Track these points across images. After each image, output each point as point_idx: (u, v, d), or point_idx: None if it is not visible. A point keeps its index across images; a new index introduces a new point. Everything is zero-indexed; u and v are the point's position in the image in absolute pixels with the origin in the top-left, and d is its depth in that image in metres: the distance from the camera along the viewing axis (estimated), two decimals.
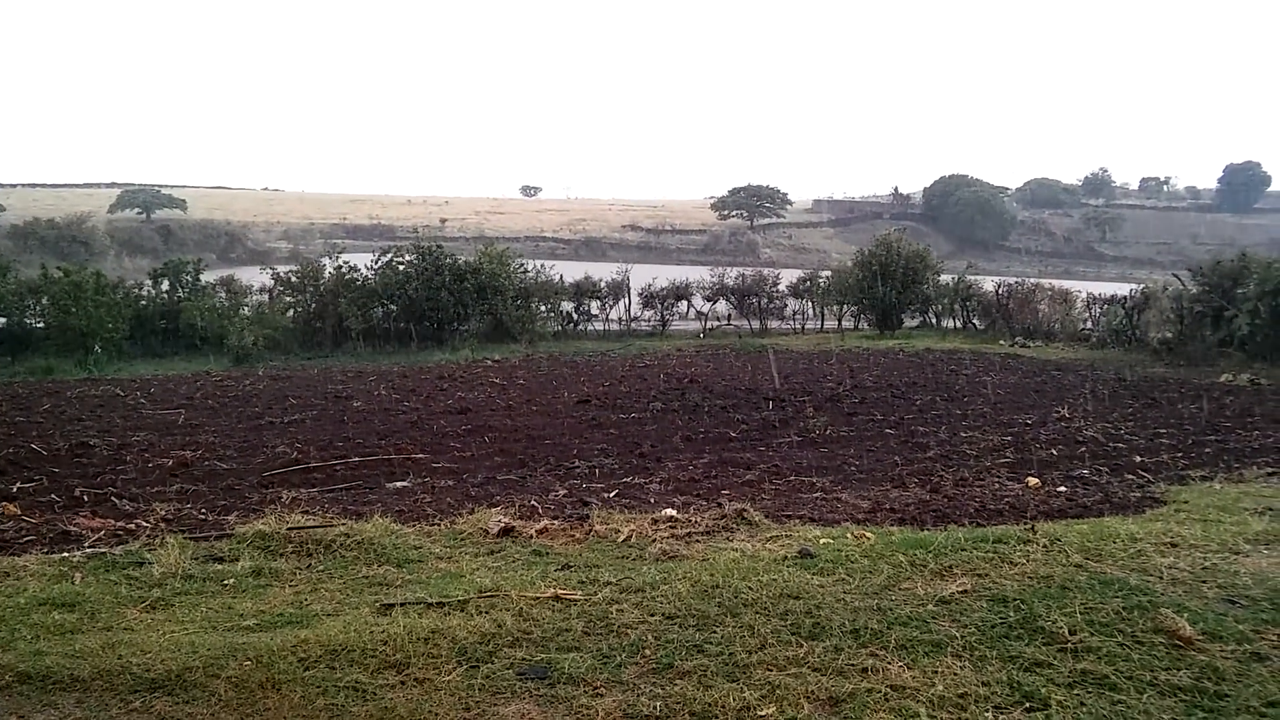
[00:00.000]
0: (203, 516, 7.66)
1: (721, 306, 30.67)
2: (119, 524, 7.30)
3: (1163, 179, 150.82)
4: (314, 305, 24.11)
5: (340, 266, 24.38)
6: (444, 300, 24.32)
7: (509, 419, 12.92)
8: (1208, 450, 10.44)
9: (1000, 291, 29.06)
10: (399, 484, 8.91)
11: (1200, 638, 4.36)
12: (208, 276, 24.88)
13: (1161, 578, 5.24)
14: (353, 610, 5.15)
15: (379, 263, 24.82)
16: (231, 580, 5.77)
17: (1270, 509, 7.41)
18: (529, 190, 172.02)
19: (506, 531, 6.68)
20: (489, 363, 20.60)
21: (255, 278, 26.30)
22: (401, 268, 24.71)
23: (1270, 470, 9.33)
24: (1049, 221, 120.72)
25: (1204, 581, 5.18)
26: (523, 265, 26.89)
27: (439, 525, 7.10)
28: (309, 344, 23.42)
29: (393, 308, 24.77)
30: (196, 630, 4.92)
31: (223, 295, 24.41)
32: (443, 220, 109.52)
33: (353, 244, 54.82)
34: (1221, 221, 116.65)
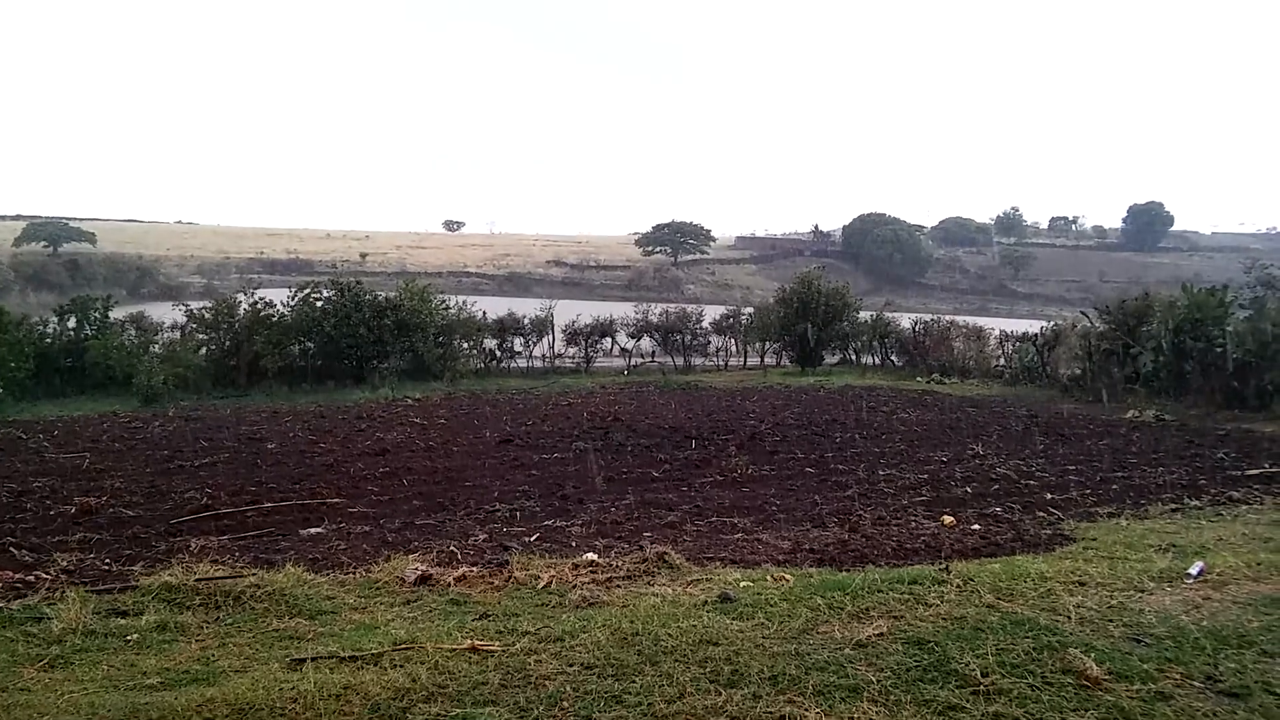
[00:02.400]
0: (106, 567, 7.37)
1: (646, 343, 30.80)
2: (17, 576, 6.96)
3: (1071, 218, 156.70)
4: (228, 343, 23.51)
5: (256, 303, 23.84)
6: (363, 337, 23.94)
7: (429, 460, 12.73)
8: (1115, 487, 10.76)
9: (917, 329, 29.76)
10: (313, 530, 8.69)
11: (1107, 678, 4.45)
12: (117, 313, 24.14)
13: (1070, 617, 5.35)
14: (262, 666, 4.98)
15: (296, 299, 24.35)
16: (135, 636, 5.54)
17: (1174, 545, 7.66)
18: (452, 225, 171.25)
19: (424, 580, 6.55)
20: (409, 401, 20.31)
21: (167, 314, 25.58)
22: (319, 304, 24.27)
23: (1174, 506, 9.64)
24: (964, 259, 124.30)
25: (1111, 620, 5.30)
26: (445, 302, 26.66)
27: (354, 574, 6.94)
28: (222, 383, 22.81)
29: (310, 345, 24.29)
30: (97, 690, 4.71)
31: (132, 333, 23.69)
32: (363, 255, 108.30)
33: (269, 279, 53.77)
34: (1127, 260, 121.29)
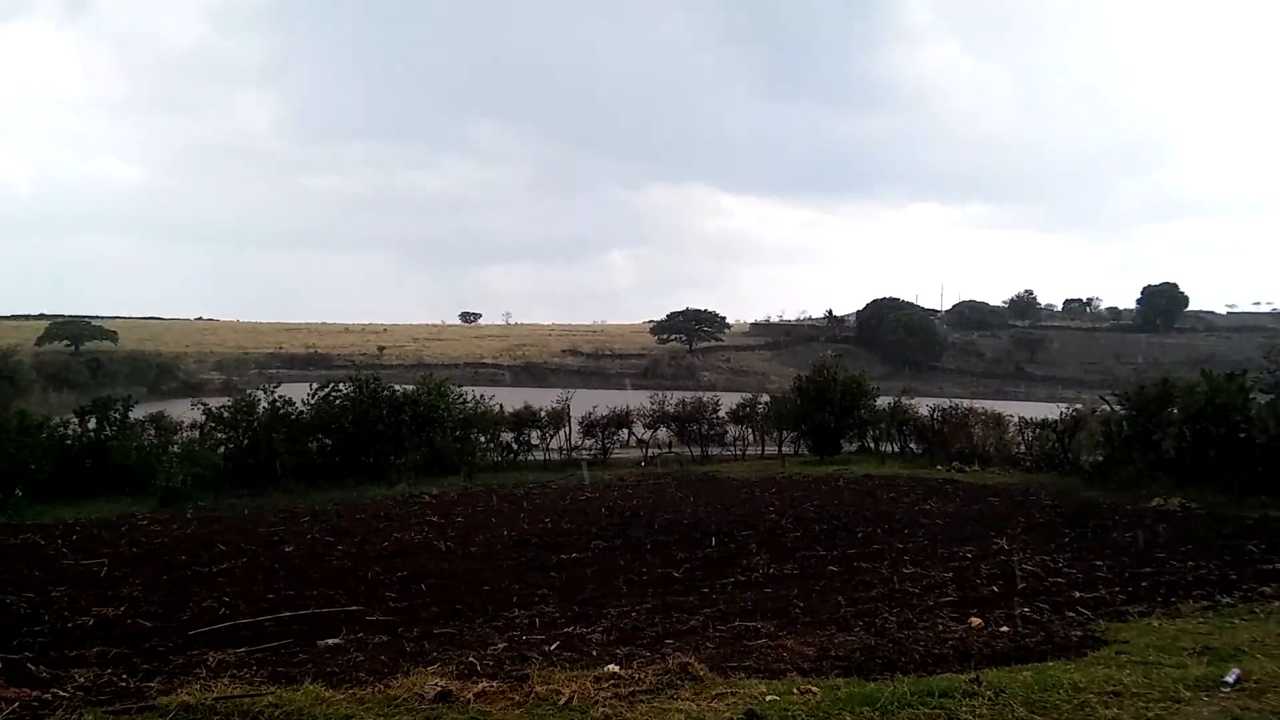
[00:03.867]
0: (124, 684, 7.27)
1: (663, 433, 30.75)
2: (35, 694, 6.89)
3: (1085, 300, 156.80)
4: (246, 441, 23.63)
5: (275, 401, 24.02)
6: (381, 433, 24.04)
7: (447, 562, 12.65)
8: (1144, 583, 10.56)
9: (935, 416, 29.62)
10: (331, 641, 8.59)
11: None
12: (137, 411, 24.36)
13: None
14: None
15: (315, 396, 24.53)
16: None
17: (1208, 647, 7.48)
18: (468, 317, 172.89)
19: (443, 696, 6.44)
20: (426, 498, 20.26)
21: (186, 412, 25.79)
22: (338, 401, 24.45)
23: (1206, 604, 9.46)
24: (979, 343, 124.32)
25: None
26: (461, 395, 26.80)
27: (372, 689, 6.82)
28: (241, 481, 22.84)
29: (328, 442, 24.39)
30: None
31: (152, 432, 23.90)
32: (381, 348, 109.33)
33: (288, 374, 54.34)
34: (1143, 341, 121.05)
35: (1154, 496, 18.69)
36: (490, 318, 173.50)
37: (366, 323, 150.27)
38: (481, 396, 27.40)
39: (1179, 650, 7.43)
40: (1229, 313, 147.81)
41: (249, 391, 26.43)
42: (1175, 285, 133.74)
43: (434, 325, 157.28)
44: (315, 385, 25.23)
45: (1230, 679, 6.17)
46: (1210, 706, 5.70)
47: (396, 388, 25.87)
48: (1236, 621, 8.67)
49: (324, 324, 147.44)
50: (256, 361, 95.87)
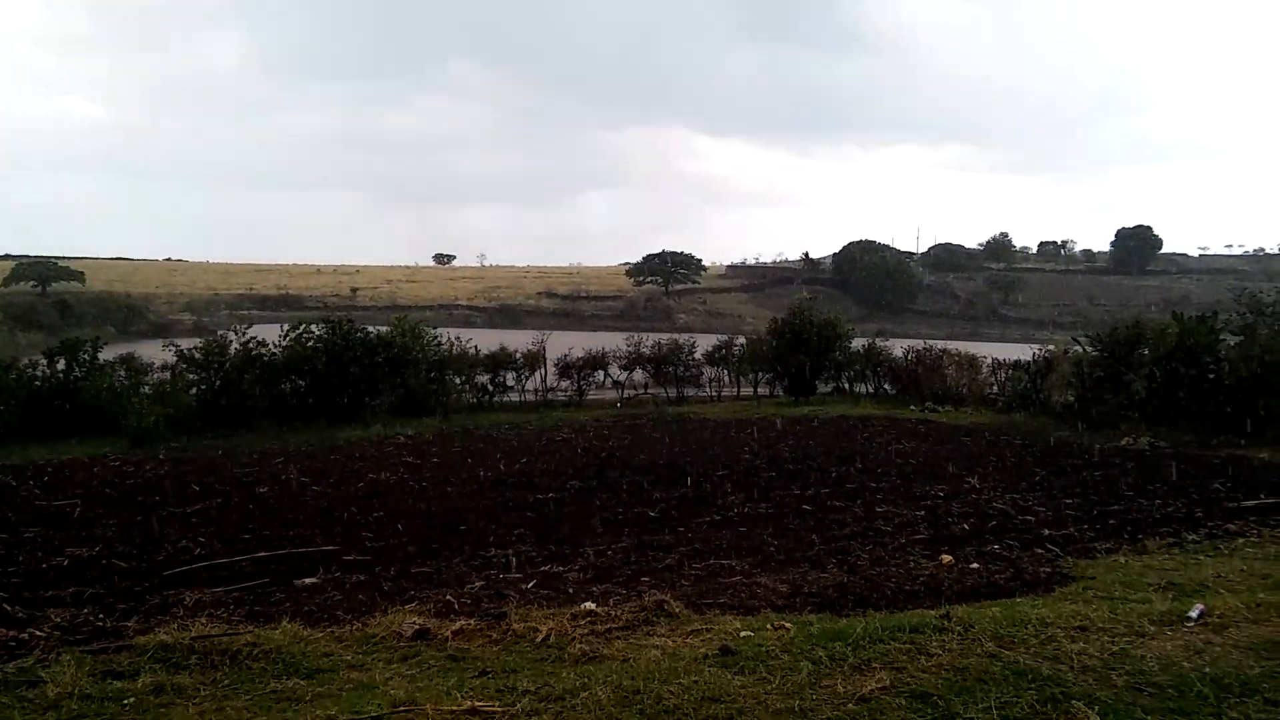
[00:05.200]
0: (100, 623, 7.28)
1: (638, 375, 30.78)
2: (11, 634, 6.89)
3: (1060, 243, 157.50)
4: (219, 382, 23.42)
5: (247, 342, 23.78)
6: (355, 375, 23.90)
7: (423, 503, 12.67)
8: (1112, 521, 10.74)
9: (910, 357, 29.79)
10: (308, 580, 8.61)
11: None
12: (107, 353, 24.06)
13: (1072, 666, 5.31)
14: None
15: (288, 338, 24.30)
16: (131, 700, 5.45)
17: (1173, 584, 7.64)
18: (442, 258, 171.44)
19: (421, 634, 6.49)
20: (402, 439, 20.24)
21: (157, 353, 25.51)
22: (310, 342, 24.23)
23: (1171, 541, 9.63)
24: (954, 285, 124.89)
25: (1113, 669, 5.26)
26: (436, 337, 26.64)
27: (350, 628, 6.87)
28: (214, 422, 22.67)
29: (301, 383, 24.23)
30: None
31: (122, 374, 23.61)
32: (354, 290, 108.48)
33: (259, 315, 53.78)
34: (1117, 283, 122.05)
35: (1124, 436, 18.96)
36: (464, 260, 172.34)
37: (339, 264, 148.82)
38: (456, 338, 27.25)
39: (1145, 586, 7.58)
40: (1201, 256, 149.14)
41: (220, 333, 26.20)
42: (1149, 228, 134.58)
43: (408, 267, 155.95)
44: (287, 327, 24.94)
45: (1194, 614, 6.30)
46: (1174, 641, 5.82)
47: (370, 329, 25.65)
48: (1201, 558, 8.85)
49: (296, 265, 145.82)
50: (227, 303, 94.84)
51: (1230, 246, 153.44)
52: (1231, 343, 20.48)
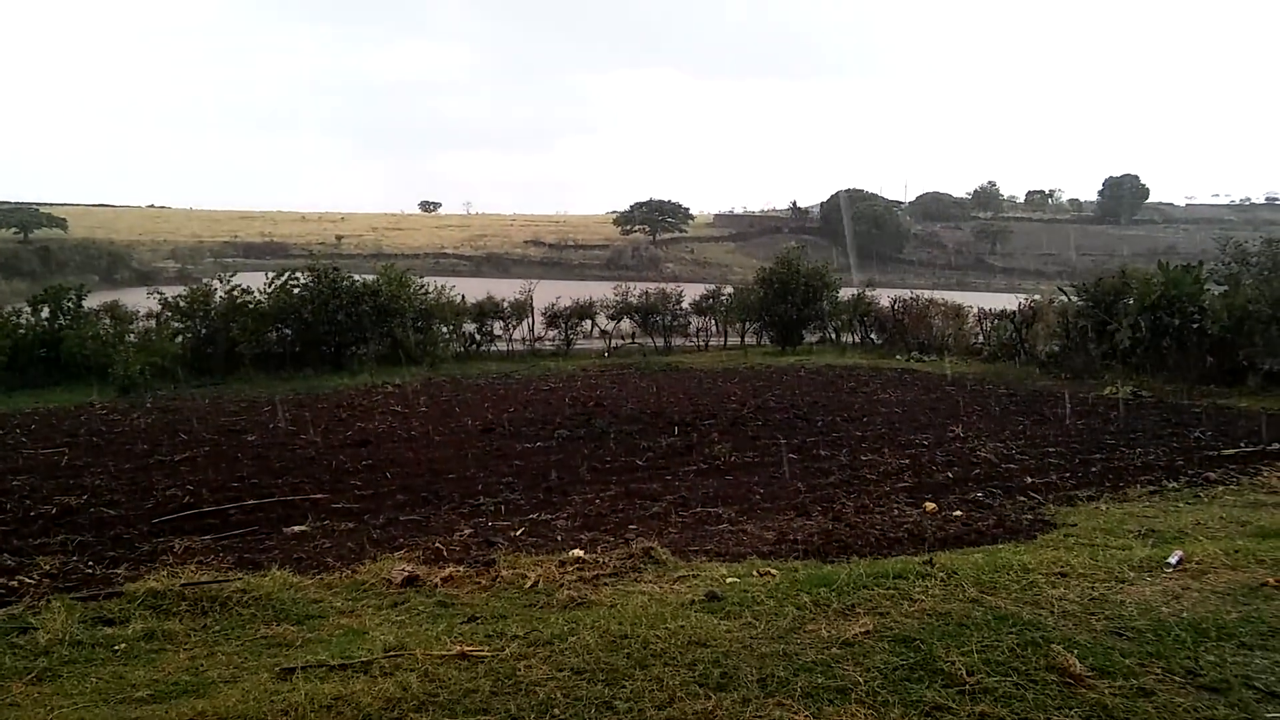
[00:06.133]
0: (90, 571, 7.32)
1: (626, 325, 30.75)
2: (1, 581, 6.92)
3: (1048, 191, 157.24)
4: (204, 330, 23.30)
5: (233, 290, 23.62)
6: (341, 323, 23.80)
7: (411, 451, 12.70)
8: (1094, 469, 10.88)
9: (896, 307, 29.85)
10: (297, 528, 8.66)
11: (1090, 674, 4.51)
12: (91, 301, 23.82)
13: (1053, 611, 5.41)
14: (252, 676, 4.96)
15: (272, 285, 24.12)
16: (122, 646, 5.51)
17: (1153, 530, 7.77)
18: (428, 206, 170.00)
19: (410, 580, 6.55)
20: (389, 388, 20.22)
21: (141, 301, 25.27)
22: (296, 290, 24.07)
23: (1152, 489, 9.77)
24: (941, 234, 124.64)
25: (1093, 614, 5.36)
26: (423, 286, 26.49)
27: (340, 575, 6.93)
28: (199, 371, 22.61)
29: (287, 331, 24.11)
30: (86, 704, 4.68)
31: (107, 322, 23.39)
32: (339, 237, 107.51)
33: (245, 263, 53.16)
34: (1103, 233, 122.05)
35: (1107, 386, 19.11)
36: (450, 207, 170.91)
37: (324, 211, 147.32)
38: (443, 287, 27.09)
39: (1125, 533, 7.70)
40: (1188, 205, 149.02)
41: (205, 280, 25.91)
42: (1136, 177, 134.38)
43: (393, 214, 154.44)
44: (273, 274, 24.75)
45: (1173, 560, 6.41)
46: (1153, 586, 5.93)
47: (356, 277, 25.45)
48: (1181, 506, 8.98)
49: (281, 212, 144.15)
50: (212, 250, 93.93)
51: (1217, 196, 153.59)
52: (1216, 292, 20.60)
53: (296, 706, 4.42)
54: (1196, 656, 4.74)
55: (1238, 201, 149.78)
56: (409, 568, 6.74)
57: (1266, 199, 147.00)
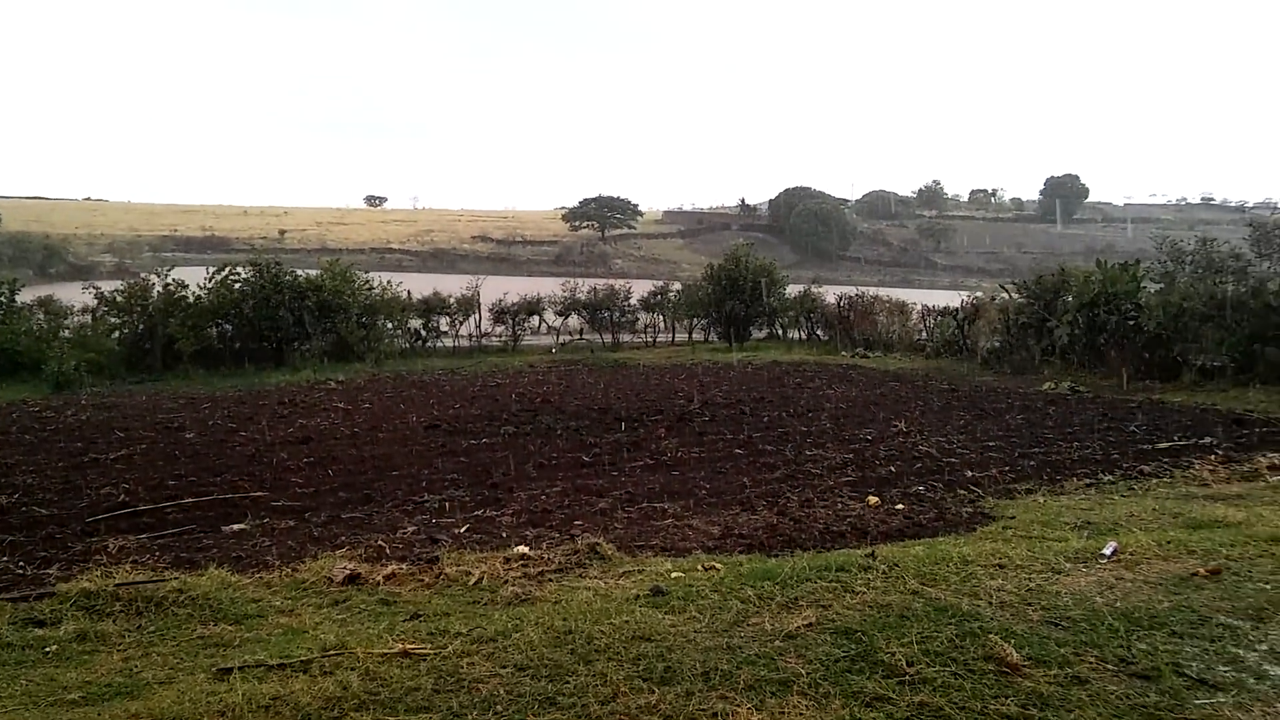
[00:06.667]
0: (21, 571, 7.14)
1: (574, 321, 30.72)
2: None
3: (990, 190, 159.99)
4: (142, 326, 22.83)
5: (170, 284, 23.15)
6: (283, 319, 23.45)
7: (354, 448, 12.55)
8: (1032, 463, 11.08)
9: (841, 304, 30.15)
10: (236, 527, 8.51)
11: (1026, 663, 4.58)
12: (25, 295, 23.26)
13: (991, 602, 5.49)
14: (187, 677, 4.86)
15: (213, 280, 23.69)
16: (54, 647, 5.37)
17: (1089, 522, 7.92)
18: (374, 200, 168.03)
19: (352, 579, 6.46)
20: (332, 385, 19.96)
21: (77, 296, 24.71)
22: (237, 285, 23.68)
23: (1088, 481, 9.98)
24: (887, 232, 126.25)
25: (1029, 604, 5.45)
26: (368, 281, 26.20)
27: (280, 574, 6.82)
28: (137, 367, 22.16)
29: (228, 328, 23.71)
30: (16, 707, 4.55)
31: (41, 317, 22.86)
32: (282, 232, 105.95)
33: (184, 257, 52.28)
34: (1044, 231, 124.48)
35: (1046, 381, 19.48)
36: (397, 202, 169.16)
37: (267, 205, 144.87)
38: (388, 282, 26.83)
39: (1061, 525, 7.85)
40: (1127, 205, 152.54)
41: (143, 275, 25.39)
42: (1076, 177, 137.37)
43: (338, 209, 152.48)
44: (213, 269, 24.31)
45: (1107, 551, 6.54)
46: (1088, 577, 6.05)
47: (300, 273, 25.14)
48: (1116, 498, 9.18)
49: (221, 206, 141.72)
50: (150, 244, 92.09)
51: (1154, 196, 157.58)
52: (1152, 290, 21.09)
53: (234, 707, 4.34)
54: (1129, 645, 4.84)
55: (1174, 202, 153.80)
56: (351, 566, 6.65)
57: (1202, 199, 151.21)
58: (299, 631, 5.55)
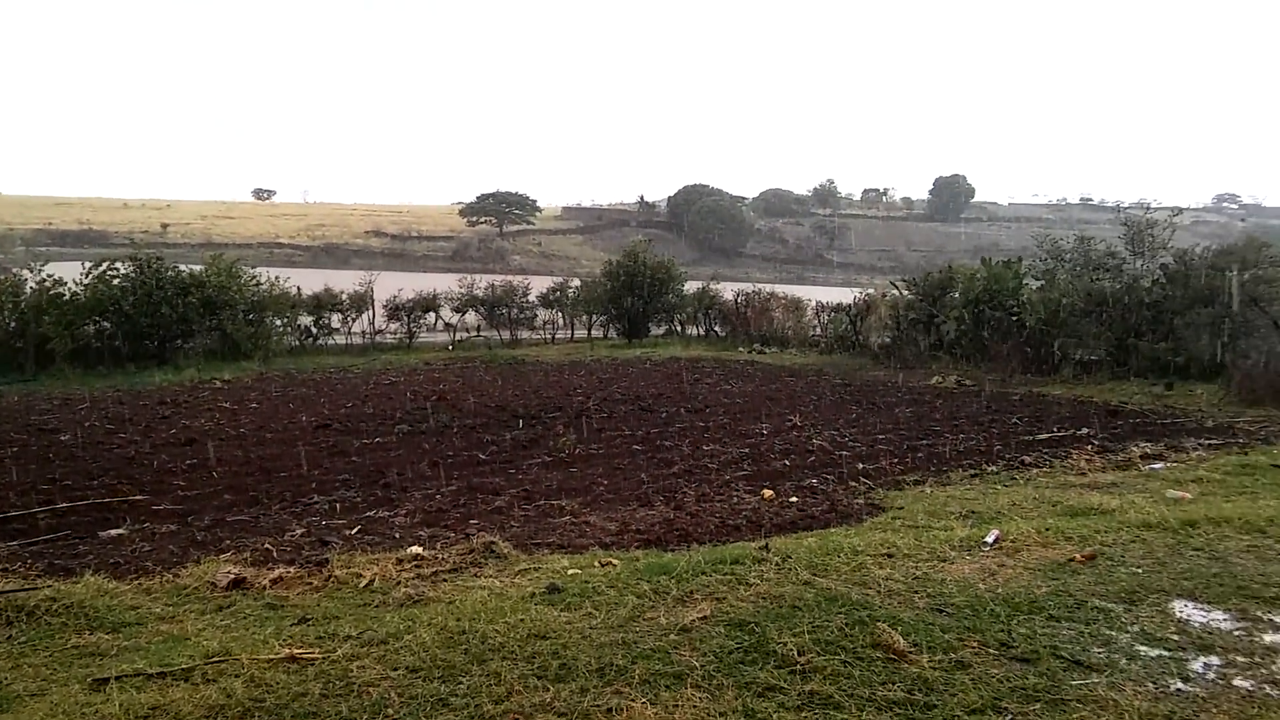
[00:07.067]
0: None
1: (471, 317, 30.38)
2: None
3: (882, 190, 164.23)
4: (13, 324, 21.67)
5: (44, 280, 22.05)
6: (166, 316, 22.55)
7: (240, 449, 12.16)
8: (920, 455, 11.40)
9: (739, 301, 30.57)
10: (114, 532, 8.14)
11: (912, 649, 4.70)
12: None
13: (879, 590, 5.63)
14: (61, 688, 4.62)
15: (90, 275, 22.64)
16: None
17: (973, 512, 8.19)
18: (262, 193, 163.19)
19: (237, 583, 6.26)
20: (218, 384, 19.31)
21: None
22: (116, 281, 22.66)
23: (973, 472, 10.32)
24: (783, 230, 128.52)
25: (916, 592, 5.61)
26: (255, 277, 25.38)
27: (160, 580, 6.56)
28: (7, 367, 21.02)
29: (106, 325, 22.69)
30: None
31: None
32: (164, 226, 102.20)
33: (60, 252, 49.95)
34: (933, 230, 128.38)
35: (934, 375, 20.09)
36: (287, 195, 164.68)
37: (148, 198, 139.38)
38: (277, 278, 26.04)
39: (947, 514, 8.10)
40: (1010, 204, 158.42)
41: (15, 271, 24.09)
42: (964, 177, 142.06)
43: (224, 202, 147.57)
44: (90, 264, 23.22)
45: (990, 539, 6.77)
46: (971, 564, 6.25)
47: (183, 268, 24.21)
48: (999, 488, 9.51)
49: (100, 199, 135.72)
50: (23, 238, 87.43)
51: (1036, 196, 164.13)
52: (1034, 287, 21.93)
53: (110, 718, 4.16)
54: (1009, 629, 5.01)
55: (1055, 201, 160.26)
56: (236, 570, 6.44)
57: (1081, 200, 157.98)
58: (180, 639, 5.35)
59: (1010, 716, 4.06)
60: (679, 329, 32.42)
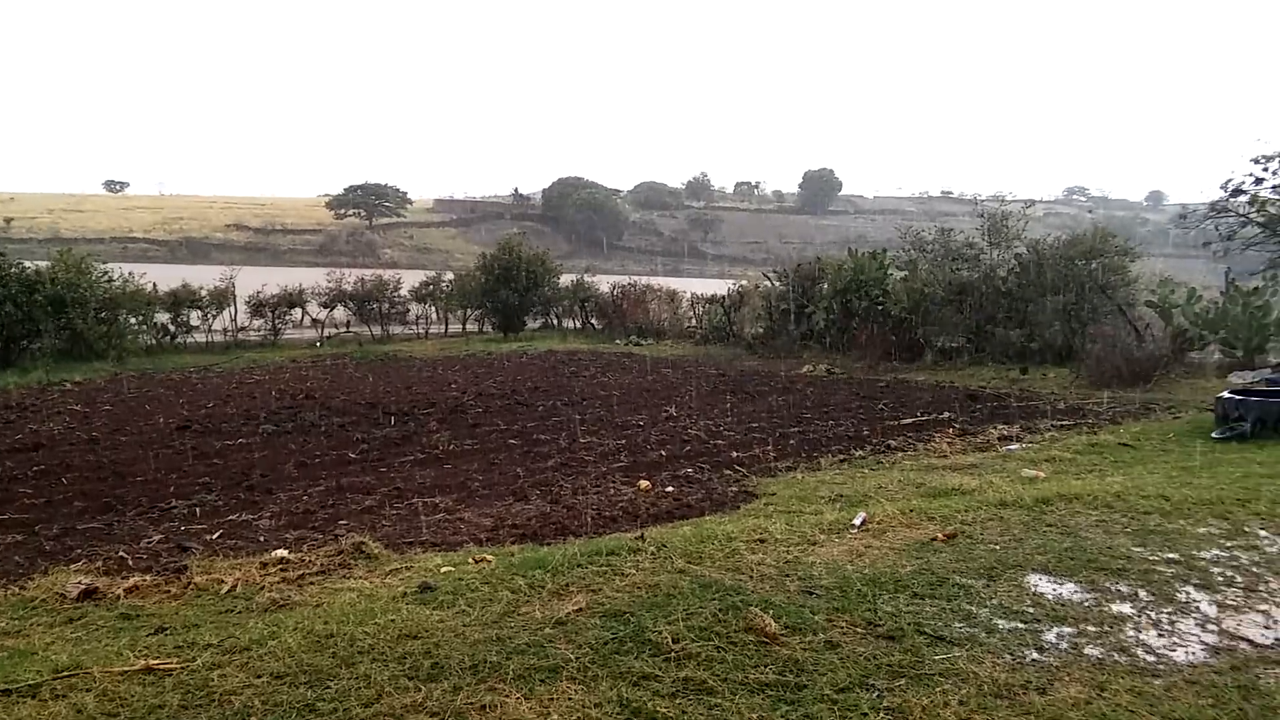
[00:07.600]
0: None
1: (340, 313, 29.59)
2: None
3: (754, 183, 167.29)
4: None
5: None
6: (10, 314, 21.23)
7: (93, 454, 11.53)
8: (792, 442, 11.66)
9: (615, 293, 30.66)
10: None
11: (783, 632, 4.79)
12: None
13: (752, 575, 5.71)
14: None
15: None
16: None
17: (842, 495, 8.42)
18: (114, 185, 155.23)
19: (89, 593, 5.92)
20: (68, 386, 18.30)
21: None
22: None
23: (842, 458, 10.61)
24: (658, 222, 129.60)
25: (787, 575, 5.71)
26: (107, 273, 24.10)
27: (4, 592, 6.16)
28: None
29: None
30: None
31: None
32: (8, 220, 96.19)
33: None
34: (803, 222, 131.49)
35: (806, 364, 20.58)
36: (140, 187, 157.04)
37: None
38: (131, 274, 24.79)
39: (817, 499, 8.30)
40: (876, 197, 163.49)
41: None
42: (831, 171, 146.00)
43: (73, 195, 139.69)
44: None
45: (857, 521, 6.96)
46: (840, 546, 6.41)
47: (28, 264, 22.84)
48: (866, 472, 9.80)
49: None
50: None
51: (900, 189, 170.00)
52: (898, 277, 22.69)
53: None
54: (875, 608, 5.15)
55: (918, 195, 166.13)
56: (87, 579, 6.10)
57: (942, 193, 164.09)
58: (27, 653, 5.03)
59: (878, 693, 4.18)
60: (556, 322, 32.33)
